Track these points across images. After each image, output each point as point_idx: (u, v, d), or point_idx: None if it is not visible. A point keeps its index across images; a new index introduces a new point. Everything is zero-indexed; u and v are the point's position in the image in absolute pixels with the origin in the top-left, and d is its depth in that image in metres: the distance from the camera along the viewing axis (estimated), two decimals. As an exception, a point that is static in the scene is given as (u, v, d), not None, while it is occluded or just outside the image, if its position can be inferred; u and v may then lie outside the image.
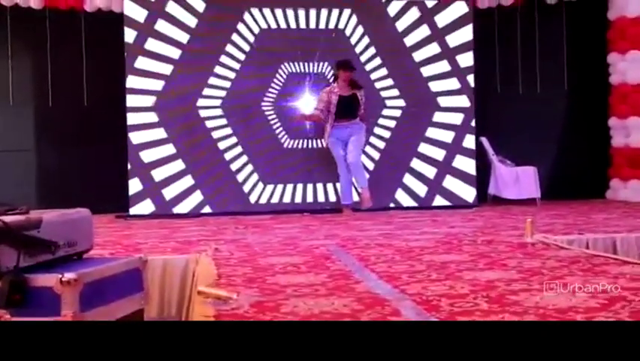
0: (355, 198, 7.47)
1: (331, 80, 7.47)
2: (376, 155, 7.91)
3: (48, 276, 2.27)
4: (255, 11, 7.77)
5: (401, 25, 7.92)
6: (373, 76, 7.92)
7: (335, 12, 7.89)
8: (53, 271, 2.30)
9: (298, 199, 7.74)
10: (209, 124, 7.65)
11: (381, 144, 7.91)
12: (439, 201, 7.88)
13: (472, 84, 7.93)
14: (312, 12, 7.87)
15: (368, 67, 7.91)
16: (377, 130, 7.91)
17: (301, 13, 7.85)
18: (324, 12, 7.87)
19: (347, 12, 7.89)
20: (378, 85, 7.93)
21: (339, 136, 7.30)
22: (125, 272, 2.62)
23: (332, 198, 7.75)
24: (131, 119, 7.43)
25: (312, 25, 7.89)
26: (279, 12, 7.82)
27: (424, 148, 7.93)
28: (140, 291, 2.71)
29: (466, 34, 7.93)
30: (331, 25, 7.90)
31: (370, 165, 7.86)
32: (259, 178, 7.72)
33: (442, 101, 7.94)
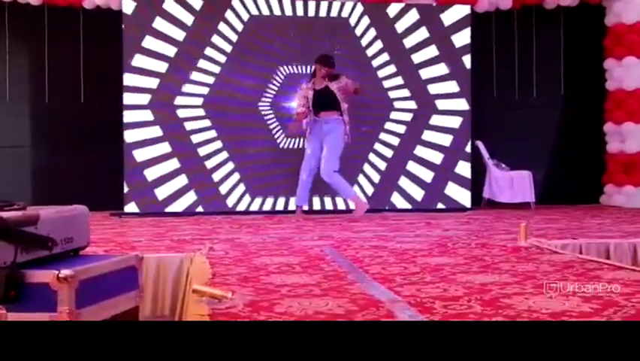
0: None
1: (309, 78, 7.12)
2: (382, 165, 7.72)
3: (45, 272, 2.28)
4: None
5: (400, 26, 7.68)
6: (381, 73, 7.64)
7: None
8: (50, 268, 2.31)
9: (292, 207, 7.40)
10: (188, 125, 7.39)
11: (389, 153, 7.70)
12: (433, 204, 7.85)
13: (469, 88, 7.88)
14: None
15: (375, 63, 7.62)
16: (383, 136, 7.70)
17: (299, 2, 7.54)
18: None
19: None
20: (386, 84, 7.66)
21: (314, 131, 6.95)
22: (121, 270, 2.64)
23: (328, 206, 7.62)
24: (127, 117, 7.34)
25: (312, 14, 7.54)
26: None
27: (420, 151, 7.85)
28: (136, 288, 2.72)
29: (464, 37, 7.82)
30: (333, 14, 7.55)
31: (375, 177, 7.71)
32: (246, 190, 7.49)
33: (440, 105, 7.84)
